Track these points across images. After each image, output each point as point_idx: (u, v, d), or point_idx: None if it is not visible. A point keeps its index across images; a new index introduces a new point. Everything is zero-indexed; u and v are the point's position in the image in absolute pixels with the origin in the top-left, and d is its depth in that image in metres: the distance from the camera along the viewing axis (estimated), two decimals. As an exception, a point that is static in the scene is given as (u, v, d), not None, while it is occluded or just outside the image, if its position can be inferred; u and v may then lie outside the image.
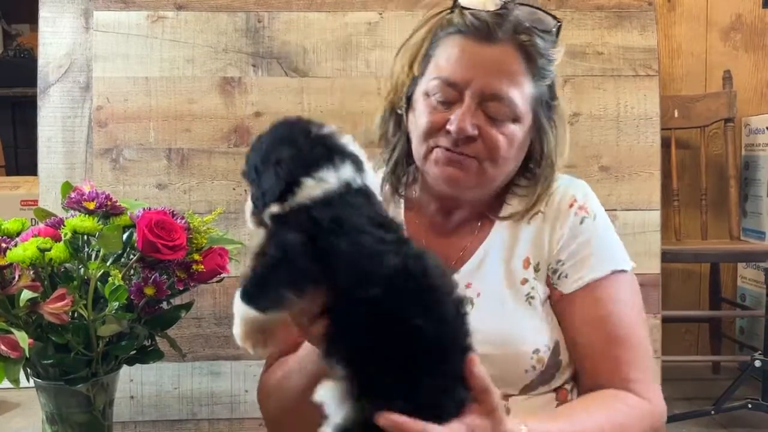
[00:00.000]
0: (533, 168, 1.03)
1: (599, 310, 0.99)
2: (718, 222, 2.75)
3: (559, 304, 1.02)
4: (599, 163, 1.57)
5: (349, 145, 0.79)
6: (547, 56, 0.98)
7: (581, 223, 1.02)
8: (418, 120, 0.99)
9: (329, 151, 0.76)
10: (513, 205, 1.04)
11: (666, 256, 1.75)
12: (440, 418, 0.72)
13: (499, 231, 1.03)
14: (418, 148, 1.00)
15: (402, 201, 1.09)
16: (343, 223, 0.71)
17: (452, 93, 0.96)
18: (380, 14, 1.58)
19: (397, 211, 1.08)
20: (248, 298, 0.73)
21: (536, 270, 1.01)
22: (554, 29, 0.99)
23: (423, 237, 1.05)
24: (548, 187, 1.03)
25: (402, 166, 1.08)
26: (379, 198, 0.81)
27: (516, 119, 0.97)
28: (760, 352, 2.15)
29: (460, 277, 1.00)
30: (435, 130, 0.97)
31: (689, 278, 2.91)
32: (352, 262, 0.71)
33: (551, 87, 1.01)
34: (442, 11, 1.02)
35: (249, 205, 0.80)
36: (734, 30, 2.87)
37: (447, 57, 0.97)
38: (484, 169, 0.97)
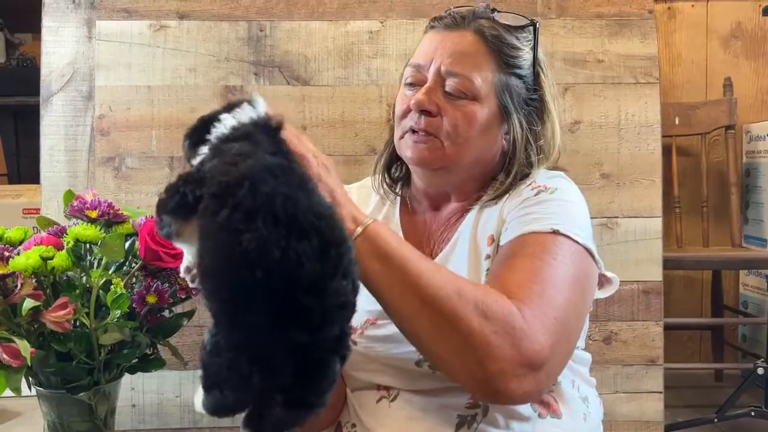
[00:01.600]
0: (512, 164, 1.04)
1: (521, 248, 0.91)
2: (720, 229, 2.75)
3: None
4: (600, 170, 1.57)
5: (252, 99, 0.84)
6: (509, 43, 1.03)
7: (536, 194, 1.00)
8: (396, 108, 1.07)
9: (230, 106, 0.83)
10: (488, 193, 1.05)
11: (668, 264, 1.75)
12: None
13: (471, 215, 1.05)
14: (396, 134, 1.06)
15: (398, 201, 1.13)
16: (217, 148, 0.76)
17: (419, 75, 1.03)
18: (382, 23, 1.58)
19: (391, 210, 1.12)
20: (155, 224, 0.79)
21: (497, 246, 0.99)
22: (525, 27, 1.04)
23: (418, 234, 1.08)
24: (522, 178, 1.03)
25: (395, 166, 1.13)
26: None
27: (475, 98, 1.00)
28: (762, 359, 2.14)
29: (438, 262, 1.02)
30: (405, 113, 1.04)
31: (691, 285, 2.90)
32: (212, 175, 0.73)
33: (527, 81, 1.04)
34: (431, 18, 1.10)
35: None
36: (734, 38, 2.88)
37: (419, 48, 1.07)
38: (445, 148, 1.00)
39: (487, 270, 0.99)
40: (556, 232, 0.91)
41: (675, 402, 2.32)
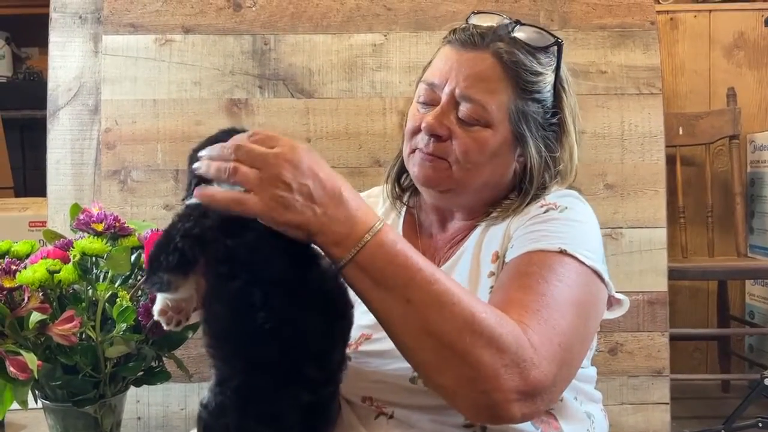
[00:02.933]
0: (526, 186, 1.02)
1: (527, 267, 0.88)
2: (725, 239, 2.74)
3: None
4: (604, 181, 1.57)
5: None
6: (528, 68, 0.98)
7: (544, 212, 0.97)
8: (408, 123, 1.04)
9: None
10: (497, 216, 1.02)
11: (673, 274, 1.75)
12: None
13: (477, 232, 1.03)
14: (405, 149, 1.04)
15: (403, 211, 1.11)
16: (228, 218, 0.74)
17: (432, 95, 1.00)
18: (385, 36, 1.59)
19: (396, 222, 1.11)
20: (145, 280, 0.79)
21: (501, 263, 0.97)
22: (548, 47, 1.00)
23: (420, 247, 1.05)
24: (533, 200, 1.00)
25: (405, 176, 1.11)
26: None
27: (488, 125, 0.97)
28: (769, 369, 2.13)
29: None
30: (415, 131, 1.00)
31: (697, 296, 2.89)
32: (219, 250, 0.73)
33: (545, 105, 1.00)
34: (449, 29, 1.05)
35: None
36: (737, 48, 2.88)
37: (434, 64, 1.03)
38: (453, 171, 0.98)
39: (491, 288, 0.96)
40: (563, 252, 0.89)
41: (682, 413, 2.31)
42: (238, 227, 0.73)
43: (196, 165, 0.77)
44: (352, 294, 0.79)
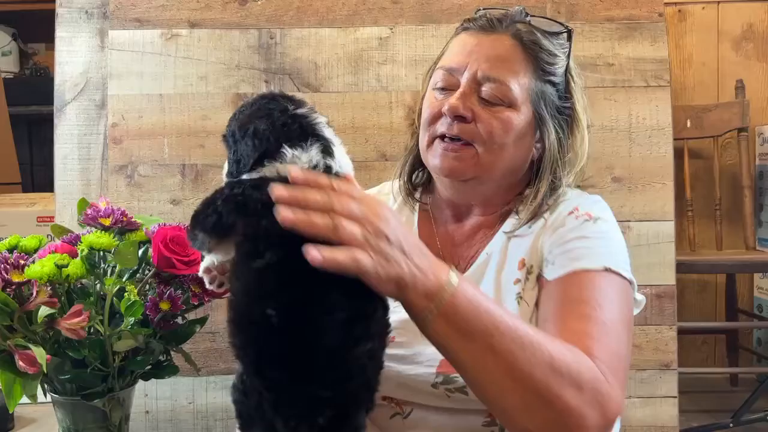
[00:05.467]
0: (541, 171, 1.02)
1: (579, 292, 0.89)
2: (733, 232, 2.73)
3: (542, 291, 0.95)
4: (612, 174, 1.57)
5: (323, 128, 0.79)
6: (547, 50, 0.99)
7: (581, 224, 0.97)
8: (424, 112, 1.02)
9: (302, 132, 0.77)
10: (520, 216, 1.01)
11: (681, 267, 1.74)
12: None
13: (501, 239, 1.02)
14: (422, 139, 1.02)
15: (416, 208, 1.09)
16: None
17: (451, 79, 0.99)
18: (391, 29, 1.59)
19: (411, 218, 1.09)
20: (187, 234, 0.77)
21: (529, 272, 0.97)
22: (561, 33, 1.01)
23: (436, 244, 1.05)
24: (552, 192, 1.00)
25: (417, 172, 1.10)
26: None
27: (511, 105, 0.97)
28: (778, 363, 2.12)
29: None
30: (435, 117, 0.99)
31: (705, 289, 2.88)
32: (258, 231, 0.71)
33: (559, 89, 1.01)
34: (461, 21, 1.06)
35: (225, 167, 0.82)
36: (746, 39, 2.86)
37: (450, 50, 1.02)
38: (480, 156, 0.97)
39: (517, 294, 0.96)
40: (608, 270, 0.91)
41: (690, 407, 2.31)
42: None
43: (283, 213, 0.68)
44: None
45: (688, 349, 2.77)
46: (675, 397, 1.56)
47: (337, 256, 0.67)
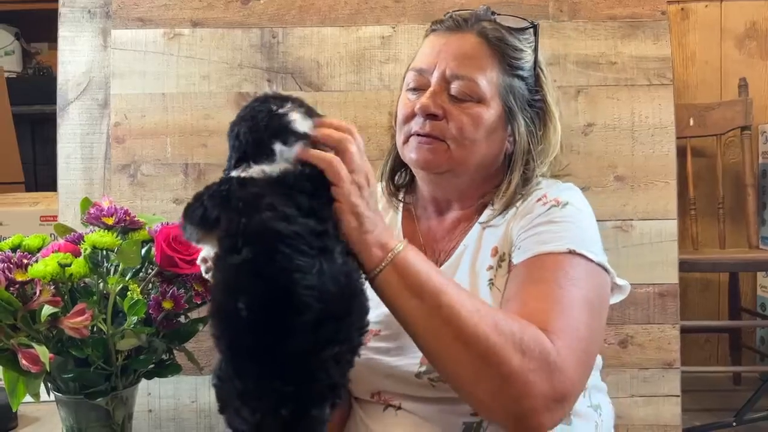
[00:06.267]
0: (512, 163, 1.04)
1: (540, 273, 0.90)
2: (736, 231, 2.72)
3: (509, 276, 0.96)
4: (615, 173, 1.56)
5: (297, 126, 0.81)
6: (512, 45, 1.02)
7: (547, 209, 0.99)
8: (399, 113, 1.05)
9: (281, 131, 0.80)
10: (495, 207, 1.04)
11: (684, 266, 1.74)
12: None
13: (476, 229, 1.05)
14: (398, 138, 1.05)
15: (400, 207, 1.13)
16: (258, 195, 0.75)
17: (422, 80, 1.02)
18: (393, 28, 1.59)
19: (395, 218, 1.12)
20: (180, 225, 0.81)
21: (501, 259, 0.99)
22: (526, 29, 1.04)
23: (419, 240, 1.08)
24: (525, 183, 1.02)
25: (399, 173, 1.13)
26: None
27: (480, 100, 1.00)
28: (781, 362, 2.12)
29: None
30: (409, 117, 1.03)
31: (708, 288, 2.88)
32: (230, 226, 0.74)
33: (528, 83, 1.04)
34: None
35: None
36: (749, 38, 2.86)
37: (421, 52, 1.06)
38: (452, 151, 1.00)
39: (489, 281, 0.98)
40: (572, 252, 0.91)
41: (692, 406, 2.30)
42: (266, 207, 0.73)
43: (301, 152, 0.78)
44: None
45: (690, 348, 2.77)
46: (678, 396, 1.56)
47: (322, 155, 0.77)
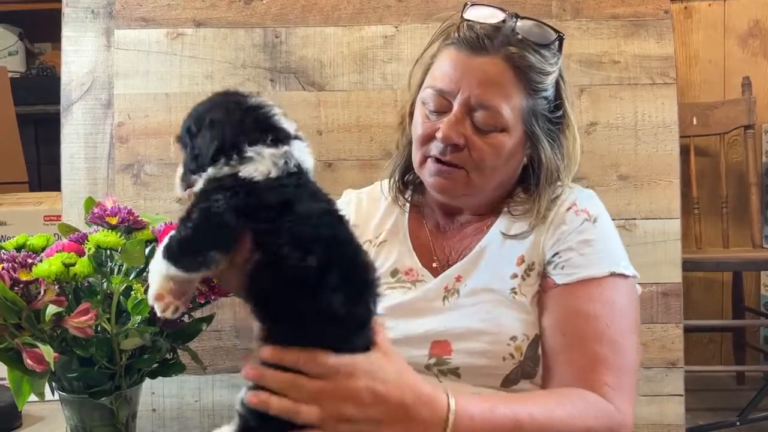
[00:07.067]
0: (532, 178, 1.04)
1: (591, 306, 0.94)
2: (740, 230, 2.72)
3: (549, 293, 0.98)
4: (618, 172, 1.56)
5: (279, 119, 0.80)
6: (539, 70, 0.99)
7: (581, 223, 1.00)
8: (415, 128, 1.04)
9: (257, 124, 0.78)
10: (517, 216, 1.04)
11: (687, 265, 1.74)
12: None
13: (498, 228, 1.04)
14: (414, 155, 1.04)
15: (407, 205, 1.12)
16: (289, 201, 0.75)
17: (443, 102, 0.99)
18: (396, 27, 1.59)
19: (403, 216, 1.12)
20: (175, 259, 0.75)
21: (529, 269, 1.00)
22: (553, 43, 1.01)
23: (427, 237, 1.08)
24: (552, 201, 1.03)
25: (409, 172, 1.12)
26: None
27: (503, 129, 0.98)
28: (785, 361, 2.12)
29: (454, 270, 1.02)
30: (427, 138, 1.01)
31: (711, 287, 2.87)
32: (292, 233, 0.74)
33: (549, 99, 1.02)
34: (448, 25, 1.05)
35: (180, 171, 0.83)
36: (752, 36, 2.85)
37: (440, 68, 1.01)
38: (471, 178, 0.99)
39: (512, 289, 0.99)
40: (613, 275, 0.96)
41: (696, 405, 2.30)
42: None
43: (249, 397, 0.75)
44: None
45: (694, 348, 2.77)
46: (681, 395, 1.56)
47: (271, 401, 0.73)
